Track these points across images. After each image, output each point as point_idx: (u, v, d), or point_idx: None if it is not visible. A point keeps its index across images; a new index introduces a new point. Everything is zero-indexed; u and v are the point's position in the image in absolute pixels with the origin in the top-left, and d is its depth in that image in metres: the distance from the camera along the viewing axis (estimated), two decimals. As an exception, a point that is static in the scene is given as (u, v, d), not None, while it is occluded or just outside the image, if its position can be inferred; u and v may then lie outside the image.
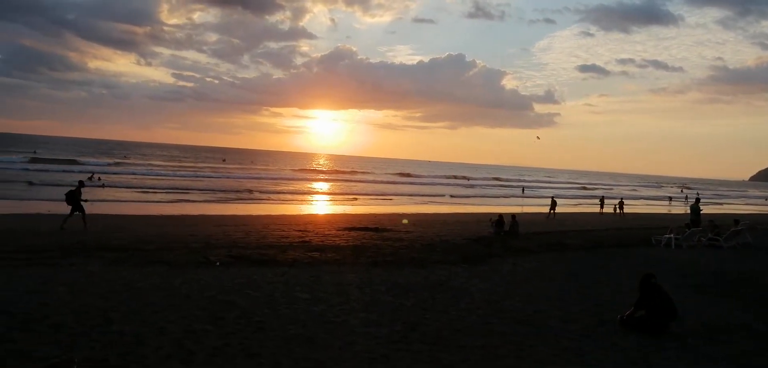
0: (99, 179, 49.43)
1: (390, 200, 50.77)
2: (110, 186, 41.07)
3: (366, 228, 21.54)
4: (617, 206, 44.75)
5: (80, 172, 56.19)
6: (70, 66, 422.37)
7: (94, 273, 11.02)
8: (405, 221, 18.17)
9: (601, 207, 45.84)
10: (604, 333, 8.50)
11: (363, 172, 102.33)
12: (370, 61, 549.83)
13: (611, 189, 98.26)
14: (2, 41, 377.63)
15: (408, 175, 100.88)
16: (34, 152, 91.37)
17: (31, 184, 42.25)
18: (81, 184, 19.85)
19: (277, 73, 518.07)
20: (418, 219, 28.35)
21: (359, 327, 8.16)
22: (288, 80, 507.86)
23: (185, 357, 6.51)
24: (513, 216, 22.92)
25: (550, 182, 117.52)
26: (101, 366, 6.04)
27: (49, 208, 26.99)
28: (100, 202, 30.90)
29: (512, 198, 62.51)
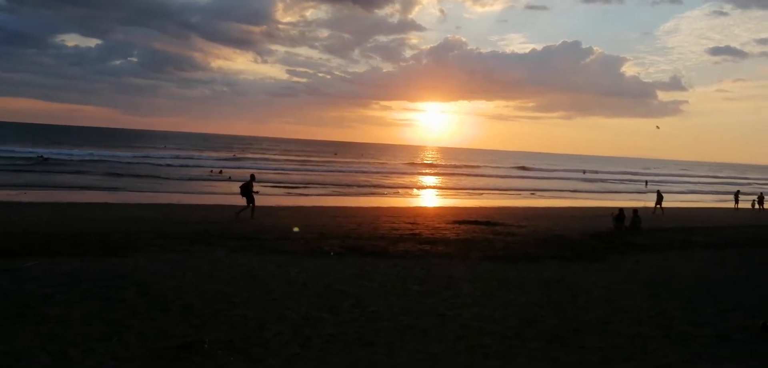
0: (220, 172, 52.94)
1: (502, 193, 49.82)
2: (236, 181, 43.90)
3: (476, 222, 21.27)
4: (756, 201, 40.82)
5: (198, 166, 60.39)
6: (195, 66, 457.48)
7: (218, 261, 11.77)
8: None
9: (736, 202, 41.98)
10: (741, 339, 7.74)
11: (473, 165, 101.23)
12: (481, 50, 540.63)
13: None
14: (139, 46, 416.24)
15: (524, 168, 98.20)
16: (164, 147, 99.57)
17: (161, 177, 46.00)
18: (253, 177, 21.46)
19: (387, 67, 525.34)
20: (530, 214, 27.59)
21: (472, 321, 8.05)
22: (397, 73, 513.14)
23: (303, 342, 6.76)
24: (634, 210, 21.62)
25: (682, 175, 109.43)
26: (227, 347, 6.42)
27: (180, 199, 29.28)
28: (224, 194, 33.08)
29: (647, 194, 58.94)
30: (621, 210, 21.61)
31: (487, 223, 21.01)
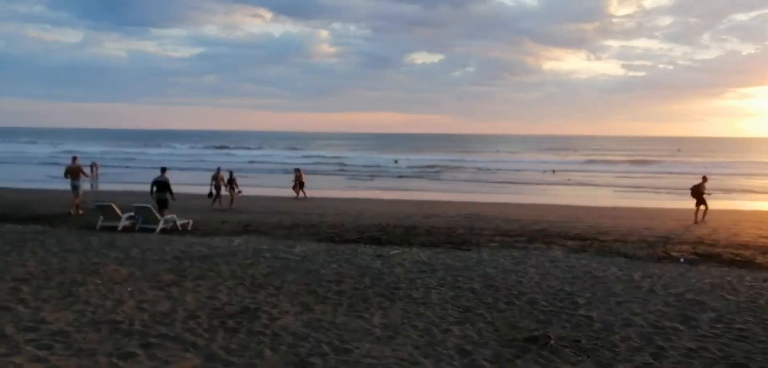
0: (553, 172, 53.07)
1: None
2: (574, 184, 43.31)
3: None
4: None
5: (531, 169, 61.22)
6: (528, 69, 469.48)
7: (557, 259, 11.81)
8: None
9: None
10: None
11: None
12: None
13: None
14: (475, 56, 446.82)
15: None
16: (497, 151, 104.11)
17: (495, 182, 48.24)
18: (704, 179, 21.84)
19: (747, 49, 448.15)
20: None
21: None
22: (761, 55, 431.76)
23: (656, 352, 6.27)
24: None
25: None
26: (574, 346, 6.38)
27: (514, 199, 30.31)
28: (556, 196, 32.97)
29: None
30: None
31: None
